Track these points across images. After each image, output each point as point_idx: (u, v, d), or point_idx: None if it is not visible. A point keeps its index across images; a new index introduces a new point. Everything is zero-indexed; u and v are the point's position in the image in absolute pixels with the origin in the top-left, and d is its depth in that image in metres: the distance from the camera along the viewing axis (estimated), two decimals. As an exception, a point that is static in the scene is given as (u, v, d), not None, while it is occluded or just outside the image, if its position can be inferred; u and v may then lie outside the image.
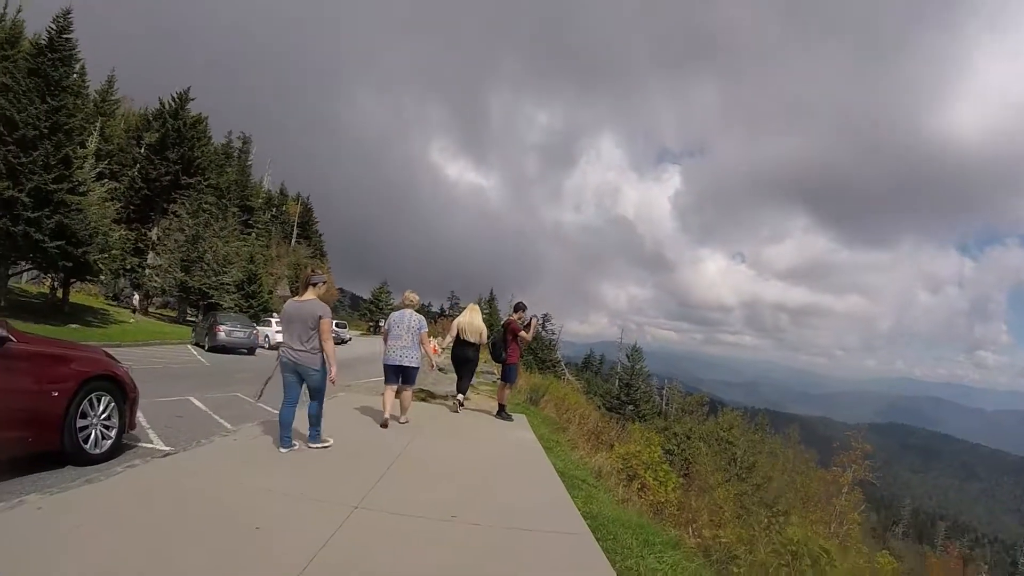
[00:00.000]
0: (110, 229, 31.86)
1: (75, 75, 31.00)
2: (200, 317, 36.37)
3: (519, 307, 12.71)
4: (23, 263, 29.00)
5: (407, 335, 10.10)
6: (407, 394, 10.53)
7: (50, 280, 34.06)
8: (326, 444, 8.18)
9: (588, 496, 7.64)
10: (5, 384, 5.83)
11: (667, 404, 67.13)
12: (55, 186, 25.90)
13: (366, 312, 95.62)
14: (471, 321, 12.14)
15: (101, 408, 7.05)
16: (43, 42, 28.11)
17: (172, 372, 17.49)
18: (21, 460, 6.25)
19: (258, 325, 35.31)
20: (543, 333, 71.08)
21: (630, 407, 52.55)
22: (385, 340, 10.37)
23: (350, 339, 50.93)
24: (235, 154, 76.71)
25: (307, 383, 7.90)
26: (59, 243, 25.87)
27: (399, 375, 10.20)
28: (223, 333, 27.02)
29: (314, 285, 7.83)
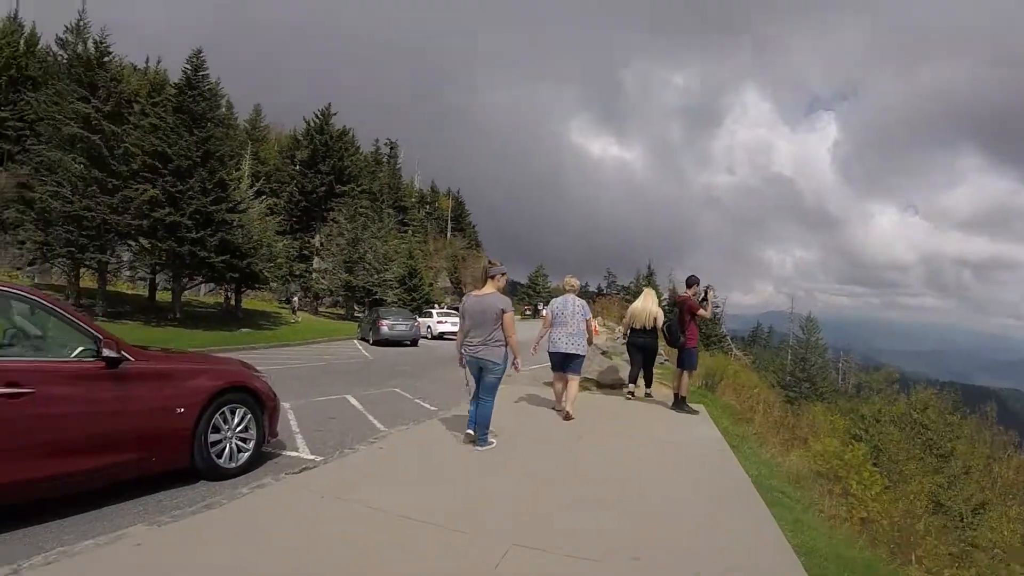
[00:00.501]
0: (273, 240, 33.36)
1: (221, 109, 33.16)
2: (364, 313, 37.22)
3: (692, 281, 11.09)
4: (196, 278, 30.53)
5: (572, 321, 9.60)
6: (573, 384, 9.82)
7: (223, 291, 35.98)
8: (491, 445, 7.55)
9: (795, 520, 5.95)
10: (121, 406, 5.42)
11: (843, 379, 61.56)
12: (214, 207, 27.21)
13: (524, 296, 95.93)
14: (644, 307, 11.42)
15: (236, 420, 6.53)
16: (182, 82, 29.55)
17: (334, 369, 17.25)
18: (151, 478, 5.87)
19: (420, 317, 35.75)
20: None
21: (805, 384, 47.76)
22: (547, 327, 9.87)
23: (510, 323, 50.77)
24: (384, 159, 78.75)
25: (485, 377, 7.44)
26: (224, 258, 27.22)
27: (566, 363, 9.71)
28: (386, 327, 27.12)
29: (492, 278, 7.41)
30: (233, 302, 34.85)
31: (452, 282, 75.39)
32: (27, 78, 35.44)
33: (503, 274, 7.51)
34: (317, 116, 51.51)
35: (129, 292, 34.56)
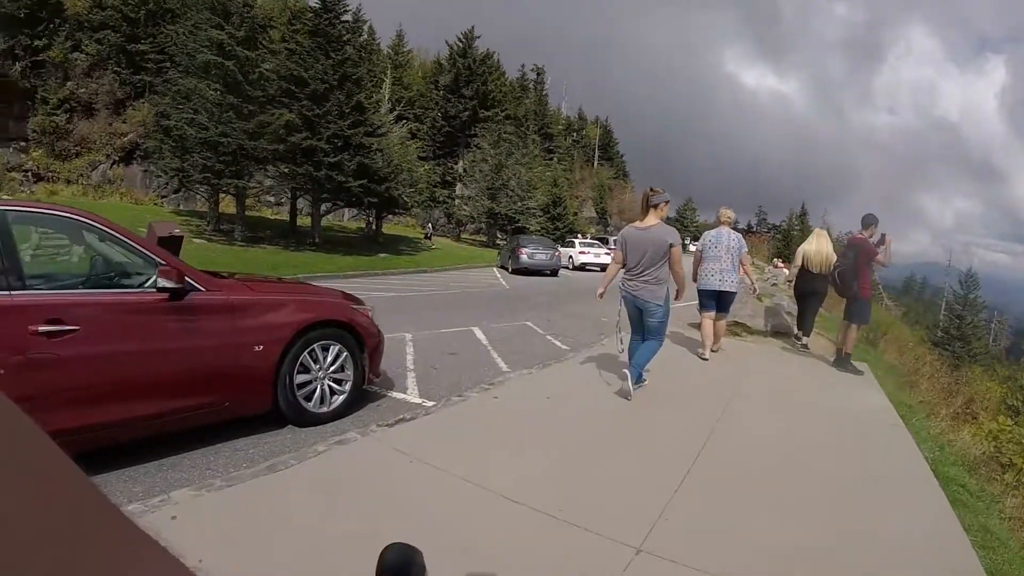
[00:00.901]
0: (414, 165, 32.52)
1: (363, 34, 32.20)
2: (505, 241, 35.87)
3: (869, 221, 9.00)
4: (335, 203, 30.35)
5: (726, 256, 8.84)
6: (721, 324, 9.32)
7: (365, 216, 35.77)
8: (643, 384, 6.83)
9: (982, 527, 4.18)
10: (184, 343, 4.55)
11: (994, 341, 55.55)
12: (351, 131, 26.76)
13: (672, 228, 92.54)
14: (819, 249, 10.19)
15: (330, 359, 5.54)
16: (318, 5, 28.90)
17: (469, 297, 16.17)
18: (236, 422, 5.09)
19: (562, 246, 34.09)
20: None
21: (959, 343, 42.28)
22: (698, 263, 9.15)
23: (659, 257, 48.22)
24: (530, 86, 76.83)
25: (646, 320, 6.62)
26: (362, 182, 26.80)
27: (716, 302, 9.02)
28: (525, 256, 25.70)
29: (655, 207, 6.49)
30: (374, 227, 34.74)
31: (597, 212, 73.37)
32: (166, 11, 35.56)
33: (666, 202, 6.55)
34: (460, 39, 50.22)
35: (272, 217, 35.12)
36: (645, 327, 6.64)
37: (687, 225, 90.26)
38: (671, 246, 6.27)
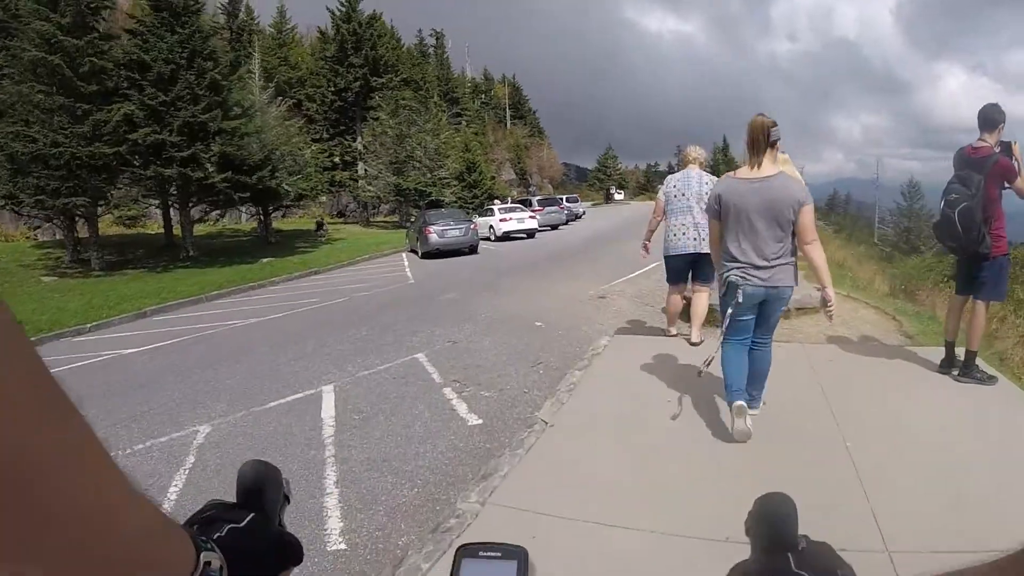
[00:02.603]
0: (298, 149, 27.78)
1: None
2: (412, 220, 31.24)
3: (996, 118, 4.94)
4: (204, 206, 25.78)
5: (698, 206, 6.38)
6: (703, 296, 6.69)
7: (258, 215, 31.00)
8: (757, 410, 4.52)
9: None
10: None
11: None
12: (206, 116, 21.72)
13: (594, 182, 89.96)
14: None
15: None
16: None
17: (354, 309, 11.83)
18: None
19: (479, 216, 29.84)
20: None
21: (914, 256, 39.66)
22: (658, 216, 6.85)
23: (584, 212, 44.35)
24: (430, 51, 72.13)
25: (766, 317, 4.34)
26: (225, 175, 21.84)
27: (690, 269, 6.69)
28: (435, 235, 21.30)
29: (773, 145, 4.12)
30: (271, 227, 30.01)
31: (517, 174, 69.46)
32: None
33: (780, 139, 4.15)
34: (342, 3, 44.40)
35: (153, 233, 29.87)
36: (761, 327, 4.43)
37: (610, 174, 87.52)
38: (801, 205, 4.07)
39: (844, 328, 6.86)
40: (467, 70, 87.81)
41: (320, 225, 33.28)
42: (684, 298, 6.92)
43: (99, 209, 22.86)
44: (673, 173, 6.93)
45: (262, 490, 0.64)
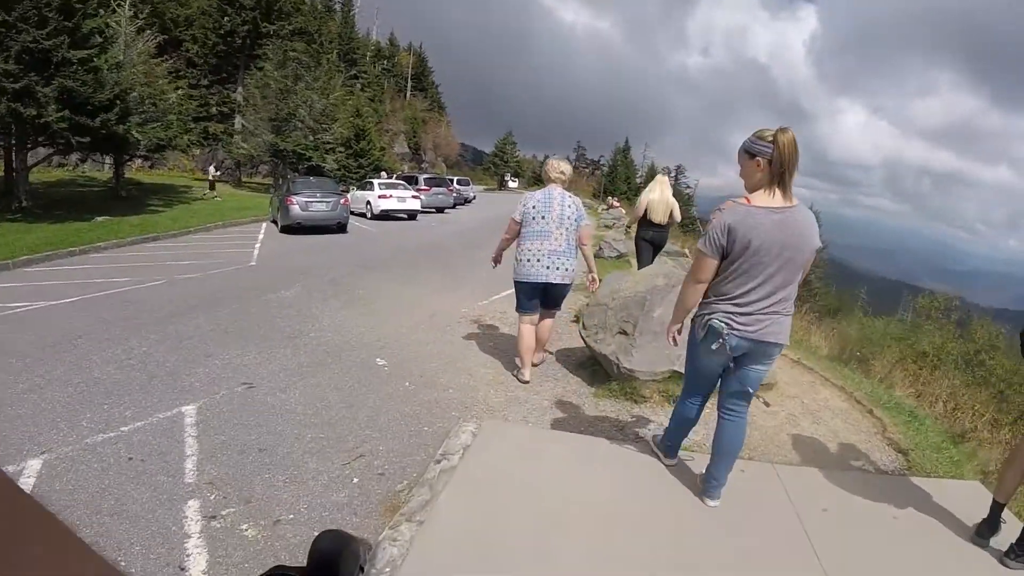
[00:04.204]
0: (162, 92, 24.62)
1: None
2: (275, 187, 28.47)
3: None
4: (45, 147, 22.07)
5: (558, 231, 5.77)
6: (548, 322, 6.27)
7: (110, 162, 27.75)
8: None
9: None
10: None
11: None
12: (50, 42, 18.19)
13: (490, 166, 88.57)
14: (662, 198, 9.30)
15: None
16: None
17: (163, 302, 9.39)
18: None
19: (358, 189, 27.57)
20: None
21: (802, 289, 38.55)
22: (512, 238, 6.02)
23: (474, 197, 42.71)
24: (336, 7, 68.39)
25: (752, 374, 3.65)
26: (62, 114, 18.41)
27: (543, 298, 6.03)
28: (297, 207, 18.78)
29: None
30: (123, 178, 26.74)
31: (411, 147, 66.93)
32: None
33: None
34: (237, -64, 40.16)
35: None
36: (736, 390, 3.68)
37: (507, 160, 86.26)
38: (816, 250, 3.51)
39: (811, 424, 5.43)
40: (373, 33, 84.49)
41: (212, 186, 30.24)
42: (533, 324, 6.19)
43: None
44: (532, 193, 6.10)
45: (336, 562, 0.64)
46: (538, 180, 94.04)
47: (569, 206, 5.81)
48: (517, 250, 5.96)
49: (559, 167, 5.98)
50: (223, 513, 3.74)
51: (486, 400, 5.67)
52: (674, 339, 3.80)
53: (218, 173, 33.58)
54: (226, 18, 39.58)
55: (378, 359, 6.76)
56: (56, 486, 4.02)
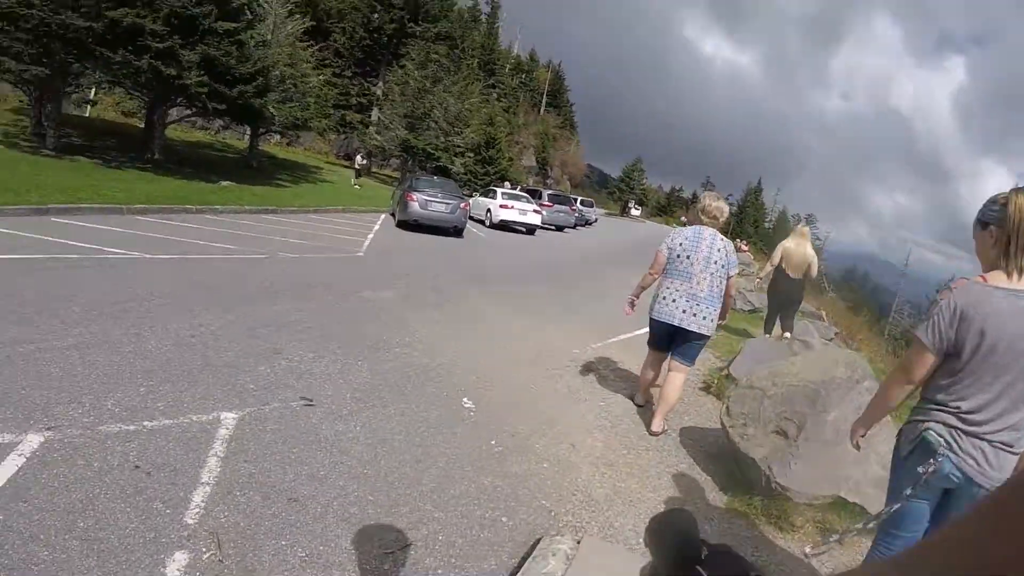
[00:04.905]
0: (303, 75, 24.99)
1: None
2: (398, 182, 28.22)
3: None
4: (182, 107, 22.78)
5: (702, 274, 5.16)
6: (678, 379, 5.34)
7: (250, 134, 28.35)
8: None
9: None
10: None
11: None
12: (199, 10, 18.64)
13: (615, 191, 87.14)
14: (799, 250, 8.75)
15: None
16: None
17: (256, 277, 8.91)
18: None
19: (480, 195, 26.86)
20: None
21: None
22: (656, 273, 5.44)
23: (596, 220, 41.36)
24: (482, 19, 69.26)
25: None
26: (201, 78, 18.70)
27: (674, 343, 5.37)
28: (416, 204, 18.14)
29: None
30: (264, 149, 27.96)
31: (538, 162, 66.59)
32: None
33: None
34: (399, -61, 40.93)
35: (137, 125, 27.33)
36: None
37: (633, 187, 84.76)
38: None
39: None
40: (515, 47, 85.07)
41: (359, 174, 30.63)
42: (658, 367, 5.73)
43: (71, 87, 20.68)
44: (684, 227, 5.56)
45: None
46: (662, 210, 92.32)
47: (719, 250, 5.20)
48: (658, 286, 5.47)
49: (715, 206, 5.39)
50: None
51: (587, 489, 4.22)
52: (858, 444, 3.01)
53: (365, 162, 34.03)
54: (375, 15, 40.38)
55: (465, 400, 5.46)
56: (42, 477, 3.15)
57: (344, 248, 13.00)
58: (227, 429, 4.07)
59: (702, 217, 5.37)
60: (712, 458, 5.12)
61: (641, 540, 3.44)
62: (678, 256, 5.25)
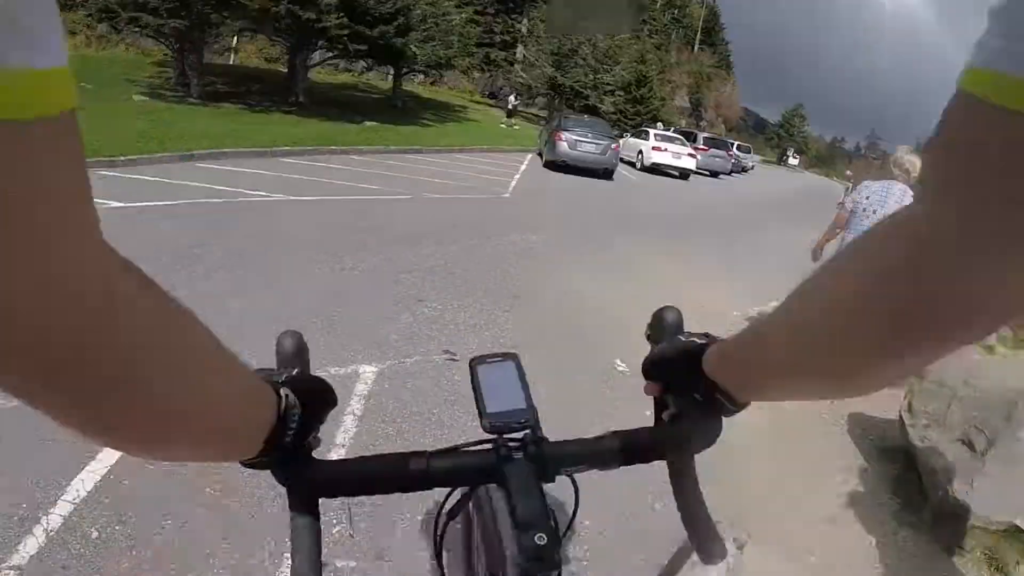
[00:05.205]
0: (444, 13, 24.41)
1: None
2: (545, 120, 27.09)
3: None
4: (323, 50, 22.93)
5: None
6: None
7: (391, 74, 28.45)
8: None
9: None
10: None
11: None
12: None
13: (773, 137, 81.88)
14: None
15: None
16: None
17: (398, 219, 8.35)
18: None
19: (631, 136, 25.32)
20: None
21: None
22: (840, 227, 5.28)
23: (753, 167, 38.47)
24: (632, -54, 65.91)
25: None
26: (341, 20, 18.58)
27: None
28: (565, 144, 17.05)
29: None
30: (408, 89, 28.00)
31: (691, 103, 63.36)
32: None
33: None
34: None
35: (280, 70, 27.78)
36: None
37: (793, 134, 79.25)
38: None
39: None
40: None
41: (511, 114, 30.13)
42: None
43: (211, 37, 21.29)
44: (870, 183, 5.27)
45: (299, 352, 0.80)
46: (821, 161, 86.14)
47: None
48: (841, 242, 5.06)
49: (908, 159, 5.05)
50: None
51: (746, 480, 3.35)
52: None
53: (517, 102, 33.48)
54: (520, -52, 38.90)
55: (618, 361, 4.61)
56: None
57: (490, 189, 12.29)
58: (365, 384, 3.73)
59: (894, 170, 5.10)
60: (882, 454, 4.24)
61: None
62: (863, 210, 5.07)
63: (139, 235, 5.79)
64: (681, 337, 0.81)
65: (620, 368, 4.50)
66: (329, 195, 9.22)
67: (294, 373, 0.75)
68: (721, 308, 6.64)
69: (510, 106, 30.91)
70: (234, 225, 6.89)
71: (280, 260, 5.75)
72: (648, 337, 0.85)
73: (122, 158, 9.85)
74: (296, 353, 0.79)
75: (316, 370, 0.81)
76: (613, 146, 17.99)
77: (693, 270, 8.19)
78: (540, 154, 19.50)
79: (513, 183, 13.58)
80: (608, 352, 4.71)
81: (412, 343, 4.35)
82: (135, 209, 6.99)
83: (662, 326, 0.85)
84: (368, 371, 3.85)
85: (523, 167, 17.07)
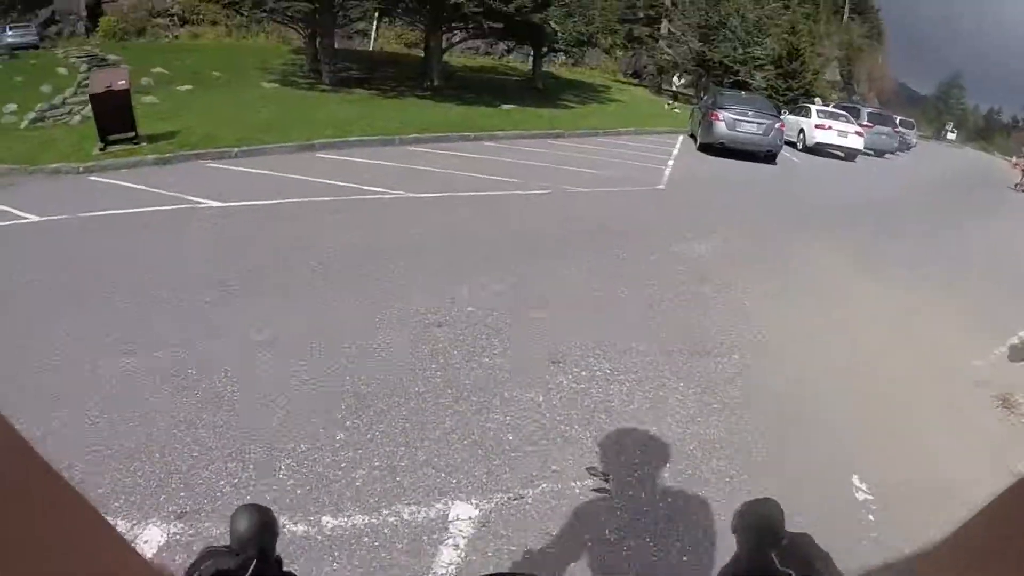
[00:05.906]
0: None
1: None
2: (699, 99, 24.60)
3: None
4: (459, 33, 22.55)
5: None
6: None
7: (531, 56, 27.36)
8: None
9: None
10: None
11: None
12: None
13: (929, 110, 74.73)
14: None
15: None
16: None
17: (527, 220, 7.08)
18: None
19: (789, 113, 22.58)
20: None
21: None
22: None
23: (915, 144, 33.91)
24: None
25: None
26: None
27: None
28: (723, 125, 15.06)
29: None
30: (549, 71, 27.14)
31: (843, 77, 58.38)
32: None
33: None
34: None
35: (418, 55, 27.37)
36: None
37: (952, 108, 71.94)
38: None
39: None
40: (816, -56, 75.16)
41: (675, 96, 28.62)
42: None
43: (342, 21, 20.75)
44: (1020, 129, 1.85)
45: (259, 534, 0.65)
46: (979, 135, 77.85)
47: None
48: None
49: None
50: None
51: None
52: None
53: (681, 82, 31.90)
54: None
55: (855, 479, 2.89)
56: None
57: (641, 179, 10.61)
58: (460, 529, 2.41)
59: None
60: None
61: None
62: None
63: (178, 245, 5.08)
64: (774, 555, 0.57)
65: (860, 497, 2.76)
66: (456, 190, 8.07)
67: (243, 561, 0.58)
68: (953, 350, 4.75)
69: (674, 88, 29.12)
70: (338, 229, 5.95)
71: (378, 280, 4.57)
72: (733, 532, 0.65)
73: (235, 150, 9.12)
74: (256, 536, 0.62)
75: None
76: (777, 125, 15.74)
77: (902, 294, 6.06)
78: (692, 136, 17.56)
79: (667, 171, 11.86)
80: (848, 469, 2.95)
81: (534, 456, 2.79)
82: (230, 210, 6.04)
83: (749, 523, 0.63)
84: (465, 512, 2.47)
85: (675, 151, 15.29)
